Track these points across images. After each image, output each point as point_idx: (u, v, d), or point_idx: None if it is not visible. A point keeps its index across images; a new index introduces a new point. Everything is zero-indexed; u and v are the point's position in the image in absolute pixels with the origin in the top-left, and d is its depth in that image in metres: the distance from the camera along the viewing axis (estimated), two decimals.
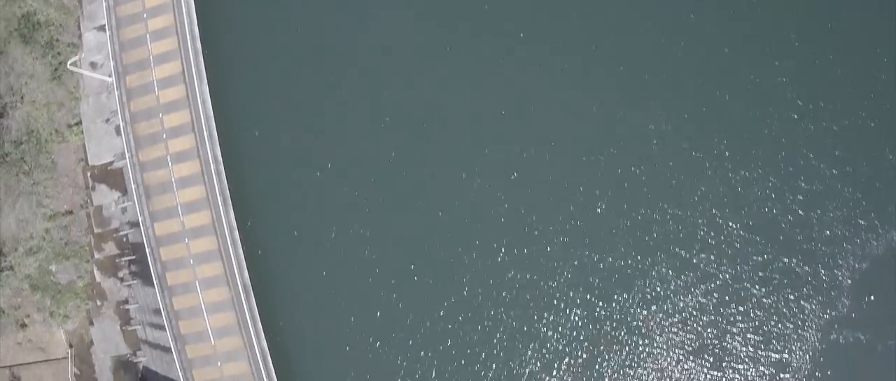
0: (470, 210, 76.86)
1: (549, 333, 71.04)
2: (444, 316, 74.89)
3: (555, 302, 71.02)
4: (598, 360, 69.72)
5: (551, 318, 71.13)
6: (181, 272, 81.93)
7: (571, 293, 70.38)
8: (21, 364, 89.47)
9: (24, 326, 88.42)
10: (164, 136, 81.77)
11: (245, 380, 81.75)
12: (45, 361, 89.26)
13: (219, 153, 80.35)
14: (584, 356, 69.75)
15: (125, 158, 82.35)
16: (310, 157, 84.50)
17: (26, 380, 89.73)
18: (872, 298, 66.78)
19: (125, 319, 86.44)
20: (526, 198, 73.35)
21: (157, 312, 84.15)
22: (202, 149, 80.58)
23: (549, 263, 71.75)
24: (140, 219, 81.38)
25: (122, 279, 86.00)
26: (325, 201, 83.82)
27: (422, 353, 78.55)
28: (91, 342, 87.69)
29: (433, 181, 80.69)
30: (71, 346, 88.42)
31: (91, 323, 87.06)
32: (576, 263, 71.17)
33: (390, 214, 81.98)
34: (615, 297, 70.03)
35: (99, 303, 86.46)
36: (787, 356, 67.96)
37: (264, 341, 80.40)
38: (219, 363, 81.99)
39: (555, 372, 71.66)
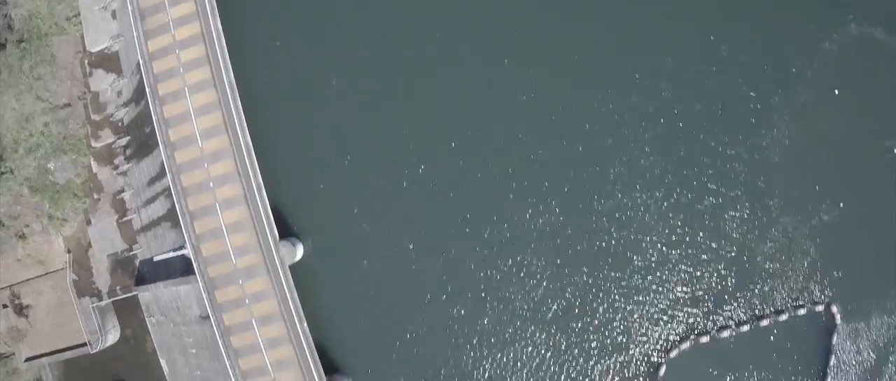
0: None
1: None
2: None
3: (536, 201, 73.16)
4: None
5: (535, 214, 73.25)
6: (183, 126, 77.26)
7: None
8: (20, 282, 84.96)
9: (22, 237, 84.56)
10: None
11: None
12: (44, 274, 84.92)
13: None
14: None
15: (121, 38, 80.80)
16: None
17: (26, 296, 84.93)
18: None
19: (121, 210, 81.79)
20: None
21: (152, 183, 79.24)
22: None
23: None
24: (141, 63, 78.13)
25: (117, 168, 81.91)
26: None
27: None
28: (89, 245, 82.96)
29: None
30: (69, 252, 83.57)
31: (89, 223, 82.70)
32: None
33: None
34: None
35: (96, 196, 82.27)
36: None
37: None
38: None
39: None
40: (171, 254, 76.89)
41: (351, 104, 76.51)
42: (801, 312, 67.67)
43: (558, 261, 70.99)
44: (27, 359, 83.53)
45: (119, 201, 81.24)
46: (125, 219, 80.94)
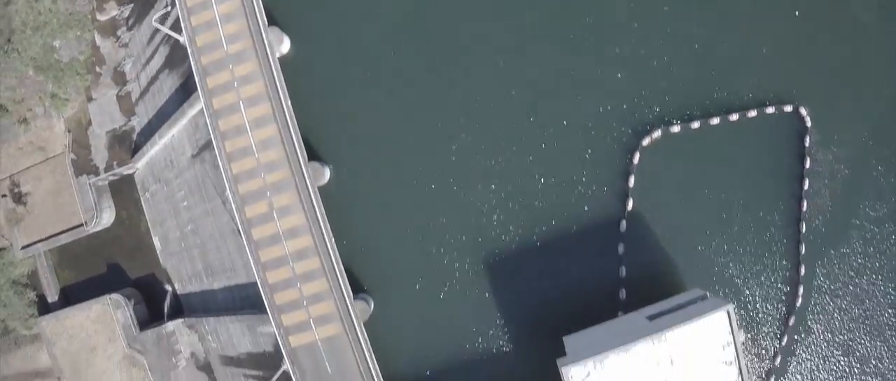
0: None
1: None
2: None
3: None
4: None
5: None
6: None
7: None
8: (21, 171, 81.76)
9: (25, 122, 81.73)
10: None
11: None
12: (44, 161, 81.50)
13: None
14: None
15: None
16: None
17: (25, 184, 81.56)
18: None
19: (121, 82, 78.50)
20: None
21: (152, 38, 75.64)
22: None
23: None
24: None
25: (119, 39, 78.86)
26: None
27: None
28: (89, 123, 79.75)
29: None
30: (68, 131, 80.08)
31: (90, 99, 79.32)
32: None
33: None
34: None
35: (98, 70, 78.97)
36: None
37: None
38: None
39: None
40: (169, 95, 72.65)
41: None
42: (770, 110, 66.19)
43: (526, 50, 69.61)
44: (24, 247, 78.93)
45: (119, 73, 78.28)
46: (125, 90, 76.96)
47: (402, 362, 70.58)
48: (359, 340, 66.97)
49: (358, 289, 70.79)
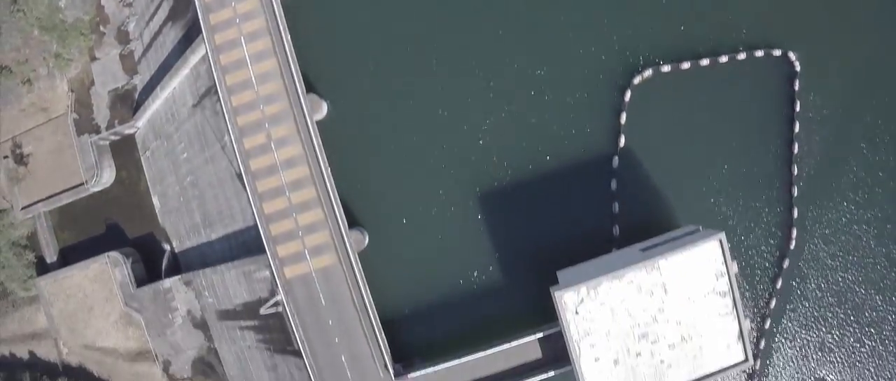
0: None
1: None
2: None
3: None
4: None
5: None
6: None
7: None
8: (22, 132, 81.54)
9: (29, 83, 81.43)
10: None
11: None
12: (47, 121, 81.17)
13: None
14: None
15: None
16: None
17: (27, 145, 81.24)
18: None
19: (125, 40, 78.30)
20: None
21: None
22: None
23: None
24: None
25: None
26: None
27: None
28: (92, 83, 79.54)
29: None
30: (71, 91, 79.78)
31: (93, 59, 79.03)
32: None
33: None
34: None
35: (102, 29, 78.63)
36: None
37: None
38: None
39: None
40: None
41: None
42: (758, 54, 66.42)
43: None
44: (24, 207, 78.36)
45: (123, 32, 78.05)
46: (128, 49, 76.89)
47: (395, 295, 70.28)
48: (353, 269, 67.02)
49: (353, 224, 70.89)
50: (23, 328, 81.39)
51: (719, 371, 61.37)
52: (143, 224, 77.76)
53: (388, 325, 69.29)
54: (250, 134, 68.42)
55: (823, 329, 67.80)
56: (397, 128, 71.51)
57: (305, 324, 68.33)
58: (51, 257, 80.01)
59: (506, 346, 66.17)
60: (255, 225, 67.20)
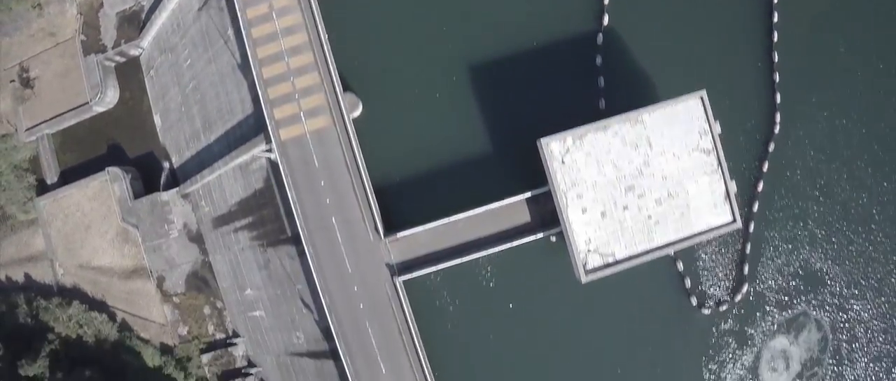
0: None
1: None
2: None
3: None
4: None
5: None
6: None
7: None
8: (30, 57, 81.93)
9: (38, 6, 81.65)
10: None
11: None
12: (54, 46, 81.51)
13: None
14: None
15: None
16: None
17: (34, 69, 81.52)
18: None
19: None
20: None
21: None
22: None
23: None
24: None
25: None
26: None
27: None
28: (101, 5, 79.84)
29: None
30: (80, 14, 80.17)
31: None
32: None
33: None
34: None
35: None
36: None
37: None
38: None
39: None
40: None
41: None
42: None
43: None
44: (28, 128, 78.28)
45: None
46: None
47: (387, 164, 70.35)
48: (347, 131, 67.47)
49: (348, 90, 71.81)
50: (20, 251, 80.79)
51: (707, 231, 61.76)
52: (145, 143, 77.69)
53: (378, 194, 69.31)
54: (253, 4, 69.37)
55: (814, 190, 69.90)
56: (393, 4, 73.20)
57: (298, 184, 67.96)
58: (52, 178, 79.78)
59: (494, 205, 66.21)
60: (254, 113, 66.71)
